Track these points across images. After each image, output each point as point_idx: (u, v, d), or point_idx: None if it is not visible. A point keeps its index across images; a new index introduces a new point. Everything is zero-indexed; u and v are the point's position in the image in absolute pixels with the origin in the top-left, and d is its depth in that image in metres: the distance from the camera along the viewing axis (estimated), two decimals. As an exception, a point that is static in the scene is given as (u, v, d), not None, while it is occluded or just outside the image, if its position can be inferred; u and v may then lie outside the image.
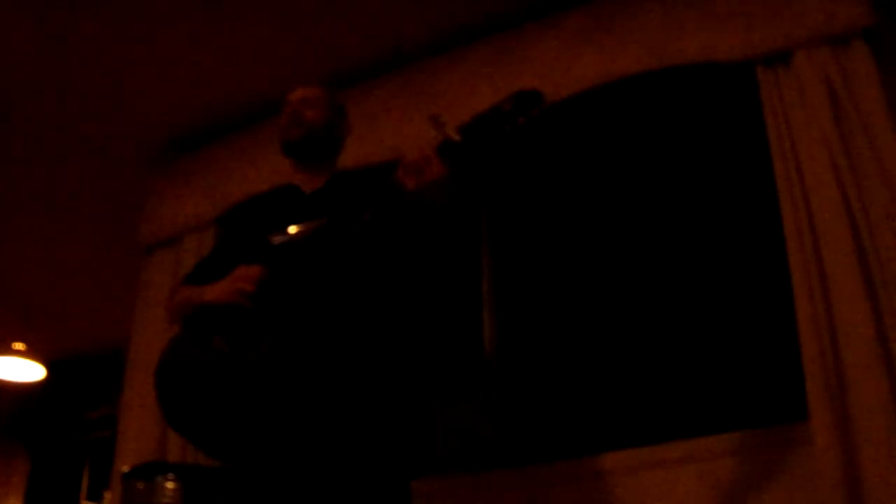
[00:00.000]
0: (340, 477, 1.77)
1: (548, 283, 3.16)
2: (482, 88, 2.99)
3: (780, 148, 2.46)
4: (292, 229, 1.95)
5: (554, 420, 3.02)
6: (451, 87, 3.06)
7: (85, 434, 5.86)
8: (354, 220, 1.88)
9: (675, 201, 3.05)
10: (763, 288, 2.74)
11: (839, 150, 2.35)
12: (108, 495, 5.09)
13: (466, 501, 2.84)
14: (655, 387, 2.91)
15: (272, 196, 2.30)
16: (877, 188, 2.27)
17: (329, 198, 2.09)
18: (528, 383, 3.09)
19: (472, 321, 2.90)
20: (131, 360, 3.43)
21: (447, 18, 3.07)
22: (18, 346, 5.23)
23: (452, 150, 1.80)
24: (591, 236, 3.14)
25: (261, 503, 1.80)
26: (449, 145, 1.80)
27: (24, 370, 5.39)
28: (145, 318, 3.48)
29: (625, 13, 2.83)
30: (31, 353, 5.28)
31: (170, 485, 2.38)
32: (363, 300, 1.94)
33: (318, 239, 1.92)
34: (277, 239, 1.96)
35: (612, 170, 3.16)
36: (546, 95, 1.77)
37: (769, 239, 2.55)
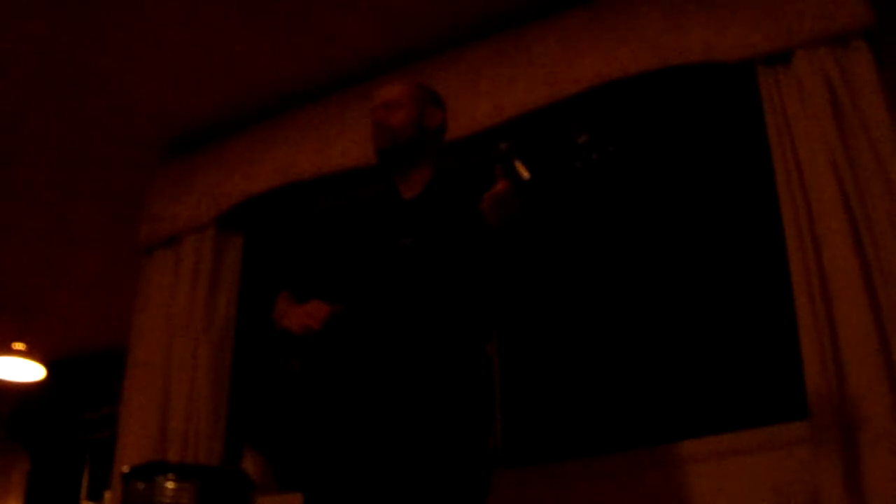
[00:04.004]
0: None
1: (552, 283, 3.17)
2: (482, 88, 2.99)
3: (780, 148, 2.46)
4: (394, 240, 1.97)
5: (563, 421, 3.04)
6: (451, 87, 3.06)
7: (85, 434, 5.85)
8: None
9: (676, 201, 3.05)
10: (763, 287, 2.74)
11: (839, 150, 2.35)
12: (108, 495, 5.09)
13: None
14: (656, 387, 2.91)
15: (374, 197, 2.19)
16: (877, 188, 2.27)
17: (426, 207, 2.04)
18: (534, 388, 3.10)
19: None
20: (131, 360, 3.43)
21: (446, 18, 3.07)
22: (18, 346, 5.24)
23: (518, 186, 1.64)
24: (590, 236, 3.14)
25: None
26: (514, 181, 1.63)
27: (24, 370, 5.39)
28: (145, 318, 3.48)
29: (625, 13, 2.83)
30: (31, 353, 5.29)
31: (170, 485, 2.38)
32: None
33: (404, 258, 1.94)
34: (368, 250, 1.99)
35: (611, 170, 3.15)
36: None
37: (769, 239, 2.55)
